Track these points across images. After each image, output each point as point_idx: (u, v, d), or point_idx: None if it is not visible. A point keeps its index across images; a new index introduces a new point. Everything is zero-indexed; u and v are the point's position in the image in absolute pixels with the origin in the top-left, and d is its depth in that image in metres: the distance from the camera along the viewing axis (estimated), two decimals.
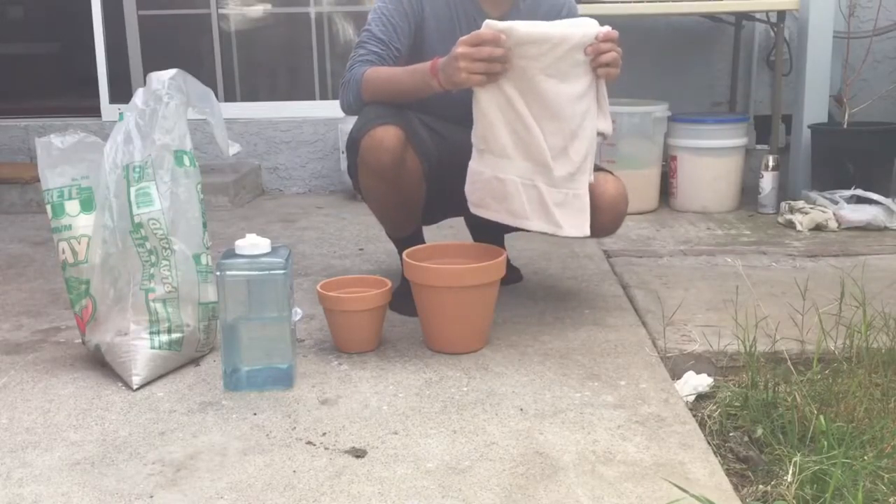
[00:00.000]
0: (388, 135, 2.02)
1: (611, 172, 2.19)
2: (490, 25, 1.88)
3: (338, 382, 1.84)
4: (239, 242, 1.79)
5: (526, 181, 1.99)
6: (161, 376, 1.86)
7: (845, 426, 1.58)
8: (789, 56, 3.76)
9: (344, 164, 3.75)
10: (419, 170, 2.11)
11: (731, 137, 3.49)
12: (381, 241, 2.96)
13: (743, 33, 3.89)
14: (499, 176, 1.99)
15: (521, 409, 1.69)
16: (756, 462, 1.59)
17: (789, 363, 1.87)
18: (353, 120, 2.16)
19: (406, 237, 2.25)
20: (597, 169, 2.16)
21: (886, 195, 3.22)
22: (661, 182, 3.56)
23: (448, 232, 2.76)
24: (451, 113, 2.17)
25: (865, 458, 1.47)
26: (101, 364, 1.92)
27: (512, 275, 2.42)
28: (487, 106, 1.95)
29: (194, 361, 1.95)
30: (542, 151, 1.96)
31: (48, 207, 1.89)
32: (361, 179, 2.14)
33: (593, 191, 2.09)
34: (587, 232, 2.03)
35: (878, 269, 2.61)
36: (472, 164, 2.02)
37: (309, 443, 1.57)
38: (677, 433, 1.59)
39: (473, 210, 2.05)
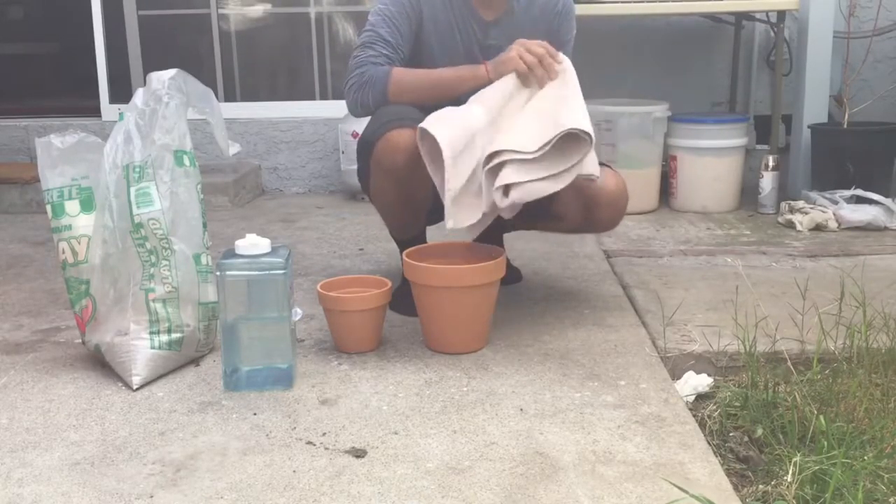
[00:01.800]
0: (403, 137, 2.01)
1: (611, 167, 2.19)
2: None
3: (338, 382, 1.84)
4: (239, 242, 1.79)
5: (479, 141, 1.91)
6: (161, 376, 1.86)
7: (845, 426, 1.58)
8: (789, 56, 3.76)
9: (344, 165, 3.76)
10: (429, 174, 2.11)
11: (731, 137, 3.49)
12: (381, 241, 2.96)
13: (743, 33, 3.88)
14: (462, 111, 1.97)
15: (521, 409, 1.69)
16: (756, 462, 1.59)
17: (789, 363, 1.87)
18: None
19: (410, 238, 2.25)
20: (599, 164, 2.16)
21: (886, 195, 3.22)
22: (661, 182, 3.56)
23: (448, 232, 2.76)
24: None
25: (865, 458, 1.47)
26: (101, 364, 1.92)
27: (512, 275, 2.42)
28: (505, 84, 2.01)
29: (194, 361, 1.95)
30: (511, 131, 1.93)
31: (48, 207, 1.89)
32: (374, 180, 2.13)
33: (594, 185, 2.09)
34: (455, 227, 1.93)
35: (878, 269, 2.61)
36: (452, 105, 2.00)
37: (309, 443, 1.58)
38: (677, 433, 1.59)
39: (420, 125, 1.93)
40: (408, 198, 2.12)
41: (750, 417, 1.71)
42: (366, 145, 2.10)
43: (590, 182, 2.06)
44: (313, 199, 3.90)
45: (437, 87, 2.08)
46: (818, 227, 3.14)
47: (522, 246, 2.77)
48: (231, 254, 1.79)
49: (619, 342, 2.03)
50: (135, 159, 1.80)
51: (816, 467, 1.43)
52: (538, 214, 2.21)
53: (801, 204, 3.27)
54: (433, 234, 2.39)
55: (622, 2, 3.41)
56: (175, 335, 1.86)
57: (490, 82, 2.01)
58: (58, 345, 2.10)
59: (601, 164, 2.17)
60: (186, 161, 1.87)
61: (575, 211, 2.15)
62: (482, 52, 2.16)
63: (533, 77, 1.99)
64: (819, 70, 3.50)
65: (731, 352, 1.97)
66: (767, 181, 3.44)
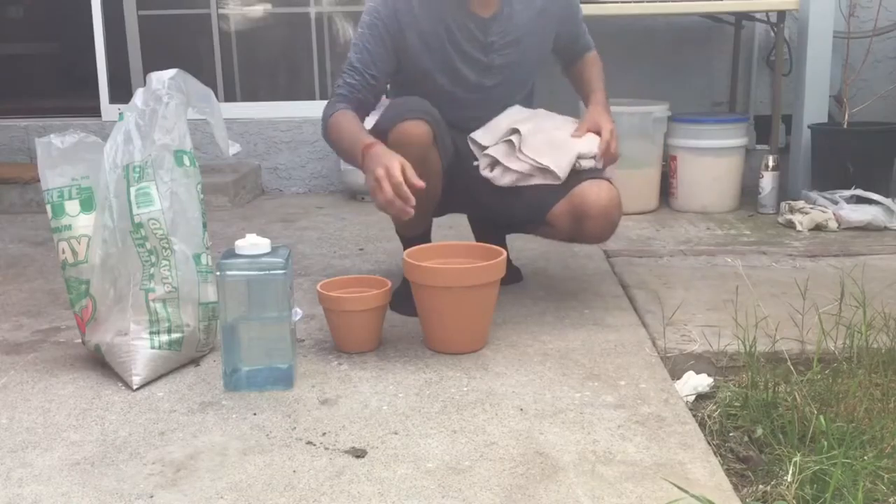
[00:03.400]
0: (417, 129, 2.04)
1: (608, 180, 2.18)
2: None
3: (338, 382, 1.84)
4: (239, 242, 1.79)
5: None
6: (161, 376, 1.86)
7: (845, 426, 1.58)
8: (789, 56, 3.76)
9: (344, 165, 3.75)
10: (439, 166, 2.13)
11: (731, 137, 3.49)
12: (381, 241, 2.96)
13: (743, 33, 3.89)
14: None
15: (521, 409, 1.69)
16: (756, 462, 1.59)
17: (789, 363, 1.86)
18: None
19: (416, 236, 2.25)
20: (595, 176, 2.16)
21: (886, 195, 3.22)
22: (661, 182, 3.56)
23: (448, 232, 2.76)
24: (456, 121, 2.19)
25: (865, 458, 1.47)
26: (101, 364, 1.92)
27: (512, 275, 2.42)
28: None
29: (194, 361, 1.95)
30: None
31: (48, 207, 1.89)
32: None
33: (586, 196, 2.09)
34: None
35: (878, 269, 2.61)
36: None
37: (309, 443, 1.58)
38: (677, 433, 1.59)
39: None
40: (418, 191, 2.12)
41: (750, 417, 1.71)
42: (379, 135, 2.10)
43: (581, 194, 2.10)
44: (313, 199, 3.90)
45: (342, 150, 2.10)
46: (818, 227, 3.14)
47: (522, 246, 2.77)
48: (231, 254, 1.79)
49: (619, 342, 2.03)
50: (135, 159, 1.80)
51: (816, 467, 1.43)
52: (531, 219, 2.21)
53: (801, 204, 3.27)
54: (433, 233, 2.39)
55: (622, 2, 3.41)
56: (175, 335, 1.86)
57: (362, 166, 1.98)
58: (58, 345, 2.10)
59: (601, 177, 2.17)
60: (186, 161, 1.87)
61: (565, 219, 2.14)
62: (483, 51, 2.17)
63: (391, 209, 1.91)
64: (819, 70, 3.50)
65: (731, 352, 1.97)
66: (767, 181, 3.44)
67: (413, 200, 1.88)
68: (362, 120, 2.14)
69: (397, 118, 2.06)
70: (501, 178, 2.18)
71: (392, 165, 1.89)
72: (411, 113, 2.05)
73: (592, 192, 2.10)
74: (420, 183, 1.90)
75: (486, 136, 2.23)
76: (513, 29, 2.19)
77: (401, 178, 1.88)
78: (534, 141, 2.16)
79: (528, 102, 2.33)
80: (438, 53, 2.16)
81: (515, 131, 2.18)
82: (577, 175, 2.13)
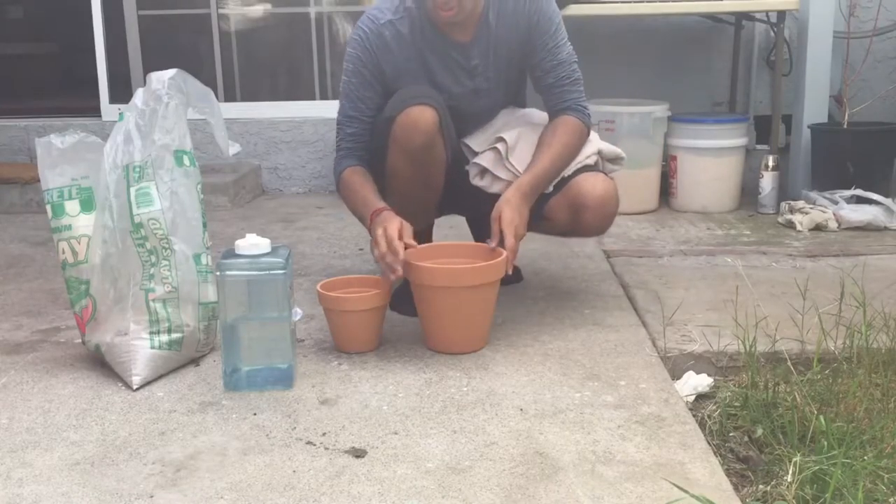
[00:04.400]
0: (423, 116, 2.03)
1: (604, 173, 2.19)
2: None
3: (338, 382, 1.84)
4: (239, 242, 1.79)
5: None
6: (161, 376, 1.86)
7: (845, 426, 1.58)
8: (789, 56, 3.76)
9: None
10: (444, 158, 2.12)
11: (731, 137, 3.49)
12: None
13: (743, 33, 3.89)
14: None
15: (521, 409, 1.69)
16: (756, 462, 1.59)
17: (789, 363, 1.86)
18: None
19: (418, 232, 2.24)
20: (591, 169, 2.17)
21: (886, 195, 3.22)
22: (661, 182, 3.56)
23: (448, 232, 2.76)
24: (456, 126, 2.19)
25: (865, 458, 1.47)
26: (101, 364, 1.92)
27: (512, 275, 2.41)
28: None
29: (194, 361, 1.95)
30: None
31: (48, 207, 1.89)
32: (390, 160, 2.11)
33: (582, 188, 2.10)
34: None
35: (878, 269, 2.61)
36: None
37: (309, 443, 1.58)
38: (677, 433, 1.59)
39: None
40: (423, 182, 2.12)
41: (750, 417, 1.71)
42: (386, 122, 2.09)
43: (577, 186, 2.12)
44: (313, 199, 3.90)
45: (354, 211, 2.15)
46: (818, 227, 3.14)
47: (522, 246, 2.74)
48: (231, 254, 1.79)
49: (619, 342, 2.03)
50: (135, 159, 1.80)
51: (816, 467, 1.43)
52: (530, 216, 2.21)
53: (801, 204, 3.27)
54: (435, 234, 2.39)
55: (622, 2, 3.41)
56: (175, 335, 1.86)
57: (369, 229, 2.04)
58: (58, 345, 2.10)
59: (596, 170, 2.18)
60: (186, 161, 1.87)
61: (562, 213, 2.15)
62: (469, 75, 2.16)
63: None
64: (819, 70, 3.50)
65: (731, 352, 1.97)
66: (767, 181, 3.44)
67: (401, 256, 1.91)
68: (370, 170, 2.15)
69: (403, 104, 2.04)
70: (491, 187, 2.19)
71: (391, 225, 1.94)
72: (417, 99, 2.04)
73: (588, 184, 2.11)
74: (413, 243, 1.96)
75: (477, 141, 2.24)
76: (493, 50, 2.16)
77: (395, 235, 1.92)
78: (519, 150, 2.16)
79: (521, 103, 2.35)
80: (415, 83, 2.16)
81: (501, 139, 2.18)
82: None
